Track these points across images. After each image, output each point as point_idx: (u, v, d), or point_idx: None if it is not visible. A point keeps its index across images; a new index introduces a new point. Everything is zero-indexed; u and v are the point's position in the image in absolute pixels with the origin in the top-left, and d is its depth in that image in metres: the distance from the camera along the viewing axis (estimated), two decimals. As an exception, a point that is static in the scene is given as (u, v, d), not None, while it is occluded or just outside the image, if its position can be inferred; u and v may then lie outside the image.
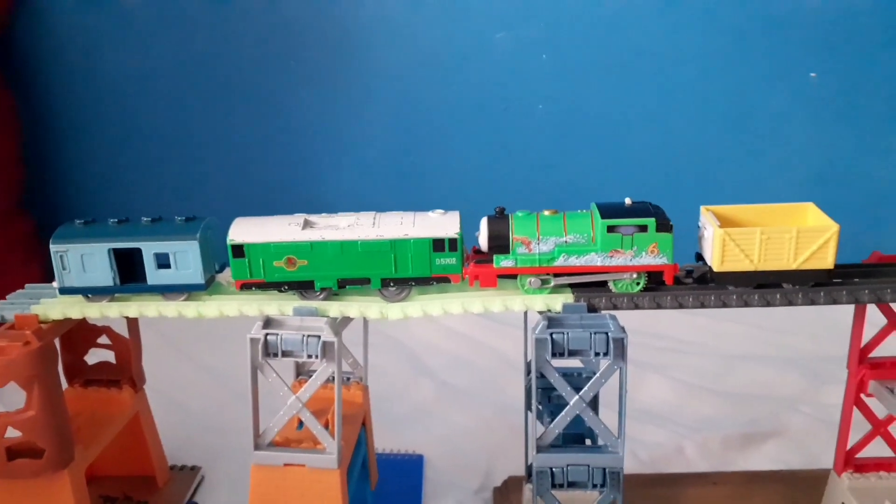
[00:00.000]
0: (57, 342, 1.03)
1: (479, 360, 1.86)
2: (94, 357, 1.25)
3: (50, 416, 0.98)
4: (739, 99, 2.09)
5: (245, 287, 0.99)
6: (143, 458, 1.27)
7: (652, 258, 0.95)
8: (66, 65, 2.11)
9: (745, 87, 2.07)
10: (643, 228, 0.94)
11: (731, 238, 0.94)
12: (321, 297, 1.00)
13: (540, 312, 0.98)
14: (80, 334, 1.19)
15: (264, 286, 0.99)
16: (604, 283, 0.98)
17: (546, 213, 0.97)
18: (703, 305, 0.98)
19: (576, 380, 1.08)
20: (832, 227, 0.93)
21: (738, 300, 0.98)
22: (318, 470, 0.99)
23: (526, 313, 1.13)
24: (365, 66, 2.12)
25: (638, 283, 0.97)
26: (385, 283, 0.99)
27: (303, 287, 0.99)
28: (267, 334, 0.95)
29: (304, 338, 0.94)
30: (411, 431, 1.54)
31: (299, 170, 2.22)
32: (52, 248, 0.98)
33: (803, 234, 0.92)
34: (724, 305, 0.98)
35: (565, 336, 0.91)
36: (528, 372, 1.18)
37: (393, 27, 2.08)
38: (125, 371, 1.23)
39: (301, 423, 1.07)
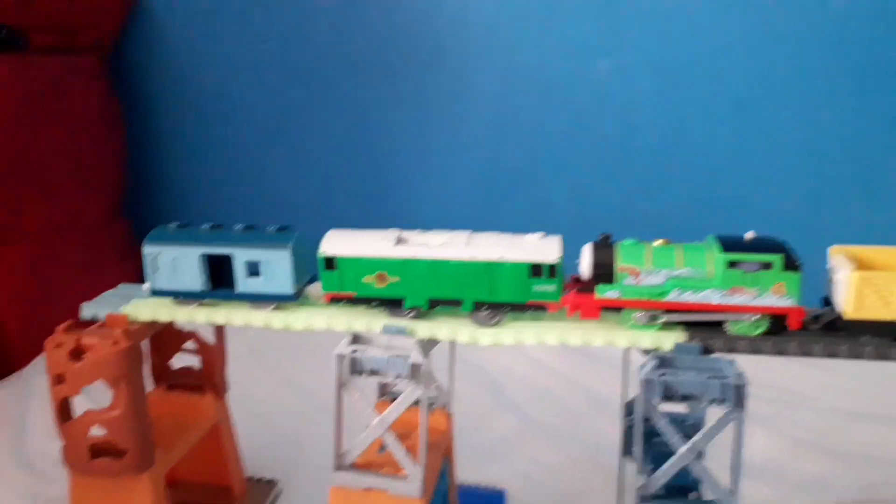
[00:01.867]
0: (145, 344, 1.02)
1: (565, 396, 1.77)
2: (178, 361, 1.24)
3: (133, 418, 0.97)
4: (862, 133, 1.94)
5: (334, 301, 0.96)
6: (221, 467, 1.25)
7: (776, 299, 0.85)
8: (171, 75, 2.19)
9: (869, 121, 1.92)
10: (767, 266, 0.85)
11: (869, 282, 0.84)
12: (410, 315, 0.96)
13: (646, 351, 0.89)
14: (167, 338, 1.19)
15: (354, 301, 0.95)
16: (718, 324, 0.89)
17: (657, 242, 0.89)
18: (832, 356, 0.88)
19: (680, 426, 0.99)
20: None
21: (873, 352, 0.87)
22: (400, 498, 0.94)
23: (627, 350, 1.06)
24: (461, 85, 2.09)
25: (759, 326, 0.88)
26: (478, 306, 0.93)
27: (392, 304, 0.95)
28: (354, 351, 0.91)
29: (392, 358, 0.90)
30: (492, 464, 1.47)
31: (389, 186, 2.21)
32: (146, 249, 0.98)
33: None
34: (857, 357, 0.88)
35: (677, 379, 0.83)
36: (628, 413, 1.10)
37: (491, 47, 2.05)
38: (209, 378, 1.21)
39: (383, 446, 1.03)
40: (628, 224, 2.02)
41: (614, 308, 0.90)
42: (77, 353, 0.95)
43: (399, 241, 0.94)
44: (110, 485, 1.00)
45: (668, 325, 0.90)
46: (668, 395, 0.84)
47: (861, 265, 0.87)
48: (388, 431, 0.93)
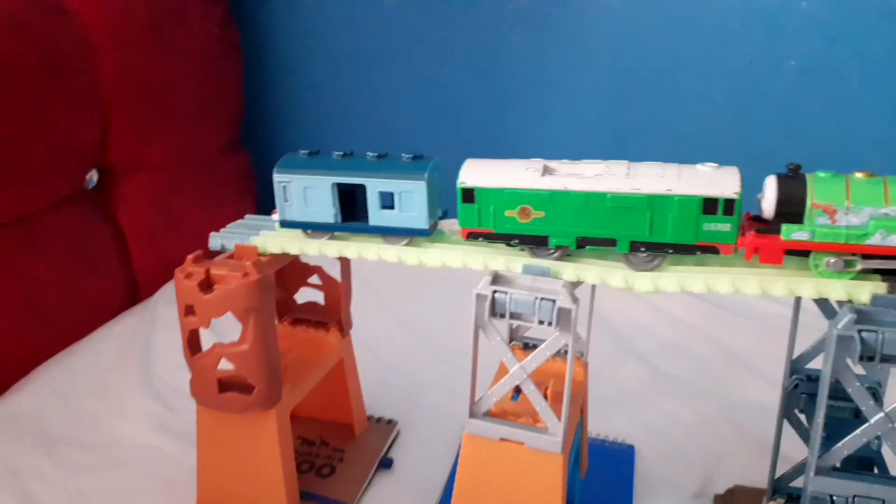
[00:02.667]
0: (271, 277, 0.97)
1: (695, 348, 1.65)
2: (301, 297, 1.21)
3: (262, 353, 0.94)
4: None
5: (472, 236, 0.87)
6: (343, 404, 1.22)
7: None
8: (288, 5, 2.13)
9: None
10: None
11: None
12: (555, 255, 0.86)
13: (840, 303, 0.77)
14: (292, 271, 1.15)
15: (492, 237, 0.86)
16: None
17: (858, 175, 0.75)
18: None
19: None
20: None
21: None
22: (539, 452, 0.87)
23: (798, 301, 0.93)
24: (586, 8, 1.93)
25: None
26: (635, 247, 0.82)
27: (535, 242, 0.85)
28: (495, 291, 0.83)
29: (538, 300, 0.81)
30: (621, 418, 1.38)
31: (505, 115, 2.10)
32: (276, 177, 0.92)
33: None
34: None
35: (879, 337, 0.70)
36: (792, 373, 0.98)
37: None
38: (334, 314, 1.18)
39: (517, 394, 0.96)
40: (767, 165, 1.86)
41: (800, 253, 0.77)
42: (207, 285, 0.91)
43: (546, 171, 0.84)
44: (237, 419, 0.99)
45: (861, 274, 0.77)
46: (868, 356, 0.71)
47: None
48: (527, 379, 0.86)
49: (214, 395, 0.96)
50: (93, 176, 1.63)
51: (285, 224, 0.94)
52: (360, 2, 2.07)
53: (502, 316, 0.83)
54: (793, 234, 0.75)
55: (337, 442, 1.22)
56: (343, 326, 1.18)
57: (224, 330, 1.05)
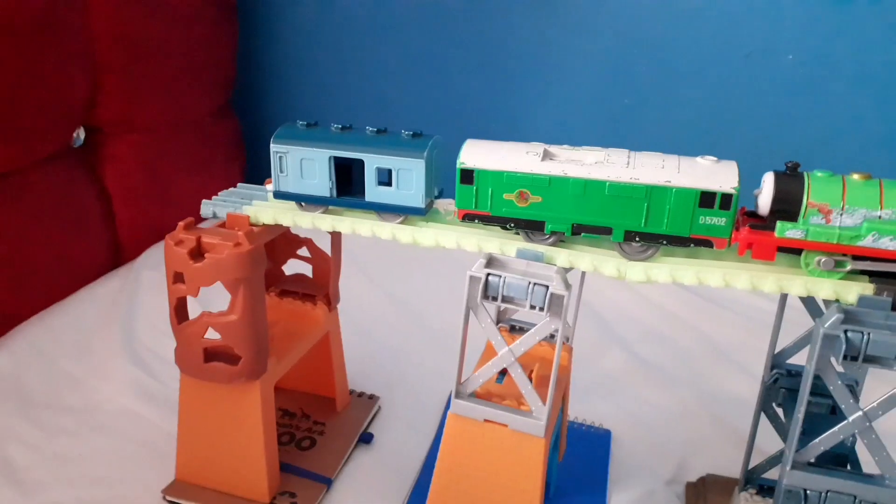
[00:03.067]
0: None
1: (677, 337, 1.67)
2: (289, 268, 1.20)
3: (250, 324, 0.93)
4: None
5: (468, 218, 0.86)
6: (326, 378, 1.22)
7: None
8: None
9: None
10: None
11: None
12: (549, 241, 0.86)
13: (826, 302, 0.78)
14: (281, 242, 1.15)
15: (489, 220, 0.86)
16: None
17: (855, 176, 0.75)
18: None
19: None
20: None
21: None
22: (522, 434, 0.87)
23: (784, 298, 0.94)
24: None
25: None
26: (629, 236, 0.82)
27: (531, 227, 0.85)
28: (489, 274, 0.83)
29: (531, 285, 0.81)
30: (598, 402, 1.39)
31: (504, 96, 2.08)
32: (273, 147, 0.91)
33: None
34: None
35: (864, 337, 0.72)
36: (772, 367, 1.00)
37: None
38: (322, 287, 1.17)
39: (501, 376, 0.96)
40: (762, 158, 1.86)
41: (792, 250, 0.77)
42: (197, 253, 0.90)
43: (546, 156, 0.84)
44: (221, 389, 0.98)
45: (850, 275, 0.78)
46: (851, 355, 0.73)
47: None
48: (515, 363, 0.86)
49: (200, 364, 0.96)
50: (80, 134, 1.60)
51: (279, 195, 0.93)
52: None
53: (494, 299, 0.83)
54: (787, 231, 0.76)
55: (318, 415, 1.22)
56: (331, 300, 1.18)
57: (209, 298, 1.04)
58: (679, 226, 0.79)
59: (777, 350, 0.99)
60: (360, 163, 0.88)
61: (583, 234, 0.84)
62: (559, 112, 2.04)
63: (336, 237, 1.14)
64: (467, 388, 0.90)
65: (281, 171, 0.91)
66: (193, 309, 0.98)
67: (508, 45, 2.02)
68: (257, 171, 0.92)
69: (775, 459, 1.01)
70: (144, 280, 1.60)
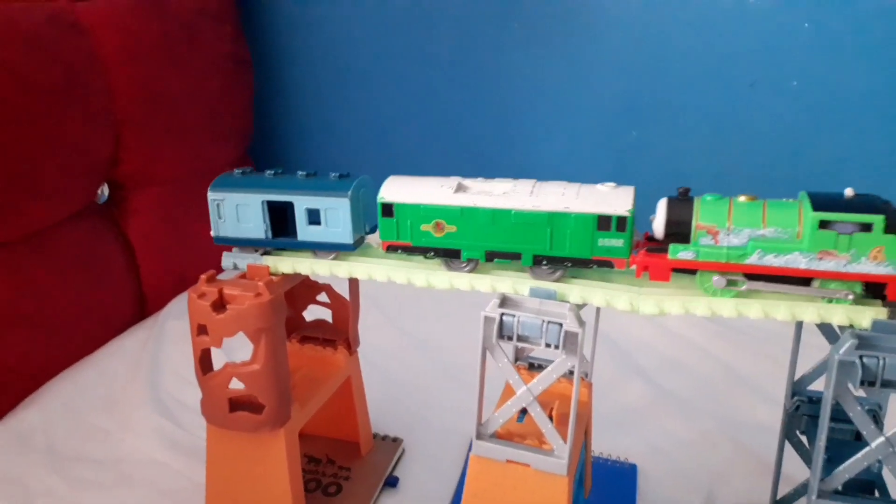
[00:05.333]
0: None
1: (694, 365, 1.66)
2: (309, 314, 1.22)
3: (273, 372, 0.95)
4: None
5: (391, 249, 0.92)
6: (349, 422, 1.23)
7: (873, 266, 0.74)
8: (297, 19, 2.15)
9: None
10: (866, 227, 0.73)
11: None
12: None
13: (841, 327, 0.78)
14: (301, 289, 1.17)
15: (410, 250, 0.91)
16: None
17: (742, 198, 0.79)
18: None
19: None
20: None
21: None
22: (545, 473, 0.88)
23: (800, 324, 0.95)
24: (591, 25, 1.95)
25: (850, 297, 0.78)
26: (537, 260, 0.87)
27: (449, 255, 0.90)
28: (503, 314, 0.84)
29: (545, 324, 0.83)
30: (623, 436, 1.39)
31: (507, 134, 2.11)
32: (210, 196, 0.96)
33: None
34: None
35: (880, 362, 0.72)
36: (793, 394, 1.00)
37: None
38: (342, 331, 1.19)
39: (522, 414, 0.97)
40: (766, 186, 1.87)
41: (689, 271, 0.81)
42: (220, 305, 0.93)
43: (459, 188, 0.89)
44: (247, 438, 1.00)
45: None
46: (869, 381, 0.73)
47: None
48: (534, 402, 0.87)
49: (225, 414, 0.97)
50: (104, 191, 1.65)
51: (219, 240, 0.99)
52: (366, 20, 2.10)
53: (510, 338, 0.85)
54: (679, 253, 0.79)
55: (343, 460, 1.23)
56: (351, 344, 1.19)
57: (232, 347, 1.06)
58: (580, 248, 0.84)
59: (797, 377, 0.99)
60: (291, 205, 0.93)
61: (496, 259, 0.88)
62: (564, 147, 2.07)
63: (353, 282, 1.16)
64: (488, 429, 0.90)
65: (219, 217, 0.97)
66: (217, 358, 1.00)
67: (513, 84, 2.06)
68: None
69: (803, 488, 0.99)
70: (169, 330, 1.63)
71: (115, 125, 1.59)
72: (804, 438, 1.00)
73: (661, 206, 0.81)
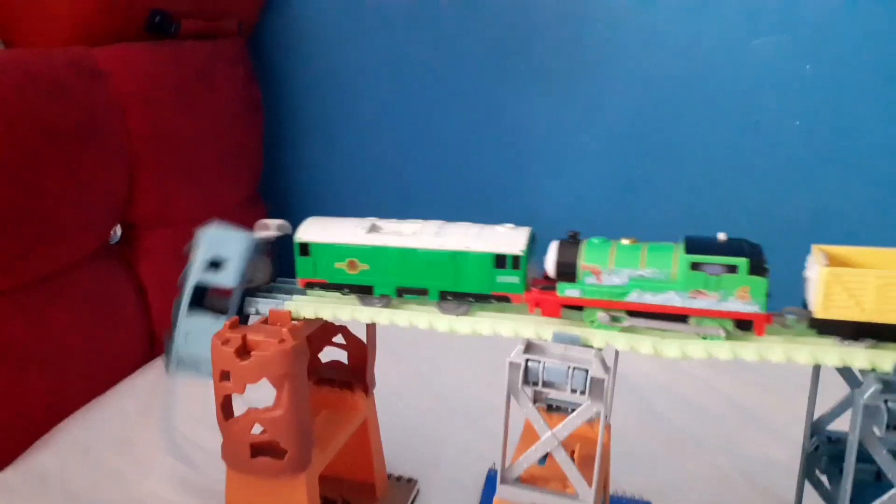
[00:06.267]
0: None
1: (706, 403, 1.66)
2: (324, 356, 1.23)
3: (295, 418, 0.95)
4: None
5: (309, 286, 0.98)
6: (365, 464, 1.23)
7: (741, 304, 0.81)
8: (306, 61, 2.19)
9: None
10: (733, 269, 0.80)
11: (838, 280, 0.77)
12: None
13: (863, 371, 0.80)
14: (318, 332, 1.17)
15: (326, 286, 0.97)
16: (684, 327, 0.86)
17: (624, 241, 0.86)
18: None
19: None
20: None
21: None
22: (569, 519, 0.88)
23: (818, 368, 0.96)
24: (597, 66, 1.99)
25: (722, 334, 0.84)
26: (443, 295, 0.93)
27: (363, 291, 0.96)
28: (528, 360, 0.85)
29: (571, 370, 0.84)
30: (636, 474, 1.39)
31: (515, 176, 2.14)
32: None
33: None
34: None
35: (906, 409, 0.73)
36: (812, 434, 1.00)
37: (634, 24, 1.93)
38: (359, 373, 1.19)
39: (543, 458, 0.97)
40: (767, 226, 1.89)
41: (578, 307, 0.88)
42: (243, 351, 0.93)
43: (372, 228, 0.95)
44: (267, 483, 1.00)
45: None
46: (894, 425, 0.74)
47: (840, 264, 0.80)
48: (559, 447, 0.87)
49: (247, 459, 0.97)
50: (117, 231, 1.66)
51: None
52: (378, 63, 2.13)
53: (535, 384, 0.86)
54: (566, 291, 0.87)
55: (359, 501, 1.23)
56: (367, 385, 1.20)
57: (253, 394, 1.06)
58: (480, 285, 0.91)
59: (815, 417, 1.00)
60: None
61: (405, 295, 0.95)
62: (573, 187, 2.09)
63: (371, 325, 1.17)
64: (512, 474, 0.91)
65: None
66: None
67: (521, 124, 2.09)
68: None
69: (823, 529, 1.00)
70: (180, 370, 1.62)
71: (130, 167, 1.61)
72: (824, 478, 1.00)
73: (552, 248, 0.88)
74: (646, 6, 1.92)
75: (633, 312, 0.85)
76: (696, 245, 0.83)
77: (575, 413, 0.86)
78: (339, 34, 2.15)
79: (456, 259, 0.91)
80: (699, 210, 1.99)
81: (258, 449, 0.98)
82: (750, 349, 0.84)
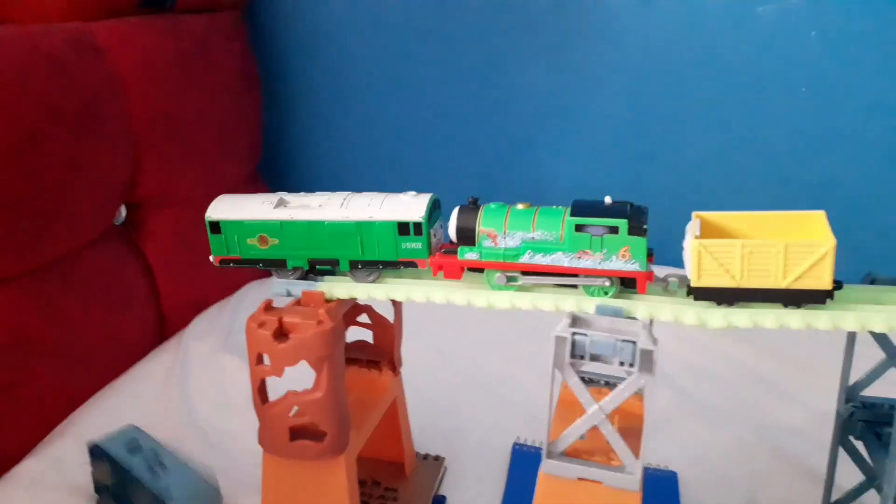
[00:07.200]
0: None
1: (723, 372, 1.67)
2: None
3: (334, 399, 0.94)
4: None
5: (224, 262, 0.99)
6: (395, 443, 1.22)
7: (623, 263, 0.85)
8: (302, 34, 2.15)
9: None
10: (614, 230, 0.85)
11: (707, 250, 0.81)
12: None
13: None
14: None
15: (241, 262, 0.98)
16: (574, 286, 0.90)
17: (519, 206, 0.90)
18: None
19: None
20: (827, 243, 0.77)
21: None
22: (617, 490, 0.88)
23: (853, 334, 0.97)
24: (604, 37, 1.97)
25: (608, 290, 0.88)
26: (353, 264, 0.96)
27: (276, 265, 0.98)
28: (574, 334, 0.84)
29: (619, 342, 0.83)
30: (657, 444, 1.39)
31: (518, 150, 2.12)
32: None
33: (793, 250, 0.79)
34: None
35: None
36: (848, 400, 1.01)
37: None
38: (385, 353, 1.18)
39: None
40: (777, 194, 1.90)
41: (479, 270, 0.91)
42: (280, 333, 0.92)
43: (280, 203, 0.96)
44: (305, 466, 0.98)
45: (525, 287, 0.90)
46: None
47: (717, 233, 0.85)
48: (605, 420, 0.87)
49: (285, 443, 0.96)
50: (121, 212, 1.62)
51: None
52: (376, 35, 2.09)
53: (581, 357, 0.85)
54: (465, 254, 0.90)
55: (389, 481, 1.22)
56: (395, 365, 1.18)
57: (290, 375, 1.05)
58: (387, 252, 0.94)
59: (852, 383, 1.00)
60: None
61: (317, 266, 0.97)
62: (579, 161, 2.08)
63: (398, 303, 1.16)
64: (558, 448, 0.90)
65: None
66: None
67: (526, 101, 2.07)
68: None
69: (854, 493, 1.02)
70: (193, 353, 1.60)
71: (134, 146, 1.57)
72: (858, 444, 1.01)
73: (453, 215, 0.92)
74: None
75: (527, 272, 0.90)
76: (580, 208, 0.87)
77: (623, 385, 0.85)
78: (337, 4, 2.10)
79: (361, 229, 0.93)
80: (706, 180, 1.98)
81: (296, 432, 0.97)
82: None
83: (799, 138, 1.91)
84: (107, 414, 1.39)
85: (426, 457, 1.31)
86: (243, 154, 2.01)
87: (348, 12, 2.10)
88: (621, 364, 0.84)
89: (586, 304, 0.89)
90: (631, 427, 1.00)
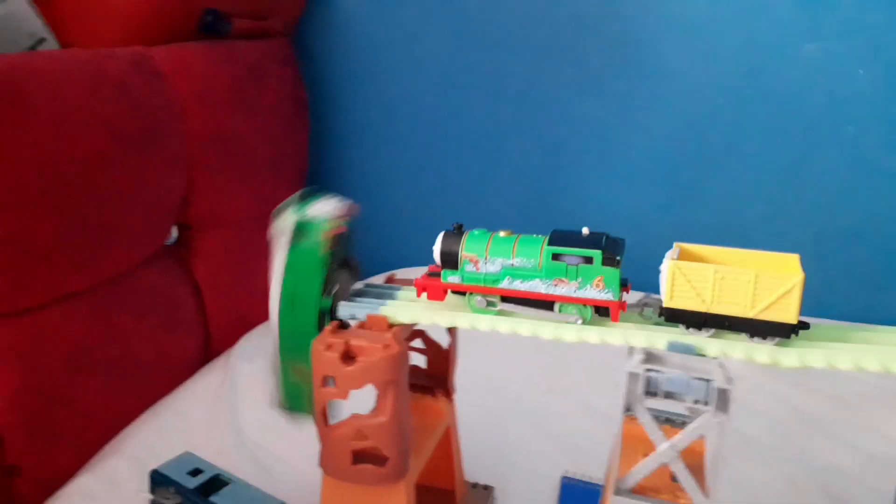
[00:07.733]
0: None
1: (769, 410, 1.65)
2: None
3: (398, 424, 0.94)
4: None
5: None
6: (446, 470, 1.21)
7: (597, 292, 0.88)
8: (349, 60, 2.18)
9: None
10: (589, 260, 0.88)
11: (681, 271, 0.83)
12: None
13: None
14: (401, 336, 1.16)
15: None
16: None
17: (501, 233, 0.93)
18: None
19: None
20: (795, 277, 0.79)
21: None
22: (687, 530, 0.87)
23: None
24: (648, 69, 1.98)
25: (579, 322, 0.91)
26: None
27: None
28: (648, 370, 0.84)
29: (694, 380, 0.82)
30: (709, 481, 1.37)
31: (562, 179, 2.13)
32: None
33: (763, 280, 0.81)
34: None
35: None
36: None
37: (685, 27, 1.93)
38: (439, 378, 1.18)
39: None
40: (817, 230, 1.88)
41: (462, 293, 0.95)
42: (347, 356, 0.92)
43: None
44: (365, 491, 0.98)
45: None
46: None
47: (694, 261, 0.86)
48: (677, 459, 0.86)
49: (347, 466, 0.96)
50: (174, 232, 1.65)
51: None
52: (419, 65, 2.12)
53: (655, 395, 0.84)
54: (448, 277, 0.94)
55: (439, 509, 1.21)
56: (449, 390, 1.18)
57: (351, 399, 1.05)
58: None
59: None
60: None
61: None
62: (621, 192, 2.08)
63: (453, 329, 1.16)
64: (625, 484, 0.89)
65: None
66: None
67: (570, 128, 2.08)
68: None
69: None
70: (241, 373, 1.61)
71: (188, 168, 1.59)
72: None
73: (439, 239, 0.94)
74: (697, 6, 1.91)
75: (506, 298, 0.93)
76: (558, 238, 0.90)
77: (696, 424, 0.84)
78: (381, 33, 2.14)
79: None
80: (749, 215, 1.97)
81: (358, 456, 0.96)
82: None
83: (842, 178, 1.90)
84: (156, 433, 1.40)
85: (475, 485, 1.30)
86: (291, 177, 2.03)
87: (394, 41, 2.14)
88: (696, 402, 0.83)
89: (658, 341, 0.89)
90: (693, 465, 0.98)
